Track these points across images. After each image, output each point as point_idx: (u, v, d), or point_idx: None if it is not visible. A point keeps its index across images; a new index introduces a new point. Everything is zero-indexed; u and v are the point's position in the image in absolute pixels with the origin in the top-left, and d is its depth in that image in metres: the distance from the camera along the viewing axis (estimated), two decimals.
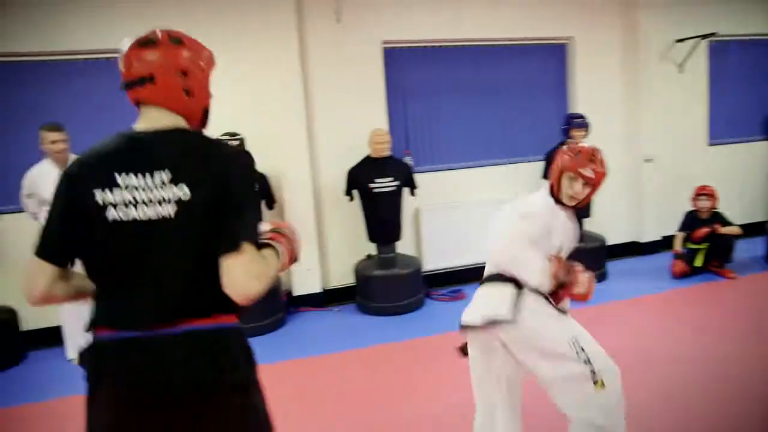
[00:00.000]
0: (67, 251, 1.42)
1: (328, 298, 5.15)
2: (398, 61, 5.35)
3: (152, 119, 1.45)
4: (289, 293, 5.03)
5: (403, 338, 4.29)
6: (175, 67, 1.44)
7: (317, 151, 5.10)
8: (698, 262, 5.28)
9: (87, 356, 1.42)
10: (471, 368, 2.28)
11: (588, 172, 2.17)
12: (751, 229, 5.94)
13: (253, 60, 4.84)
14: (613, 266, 5.64)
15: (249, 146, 4.58)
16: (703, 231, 5.22)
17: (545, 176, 5.41)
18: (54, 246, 1.41)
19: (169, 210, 1.36)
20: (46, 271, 1.39)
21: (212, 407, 1.39)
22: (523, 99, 5.75)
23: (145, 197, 1.37)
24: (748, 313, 4.35)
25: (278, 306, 4.70)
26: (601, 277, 5.32)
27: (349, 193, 4.84)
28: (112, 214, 1.37)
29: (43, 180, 4.07)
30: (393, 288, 4.80)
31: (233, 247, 1.34)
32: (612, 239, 5.84)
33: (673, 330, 4.07)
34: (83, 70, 4.66)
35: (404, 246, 5.20)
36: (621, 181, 6.01)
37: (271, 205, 4.77)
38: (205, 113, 1.58)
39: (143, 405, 1.37)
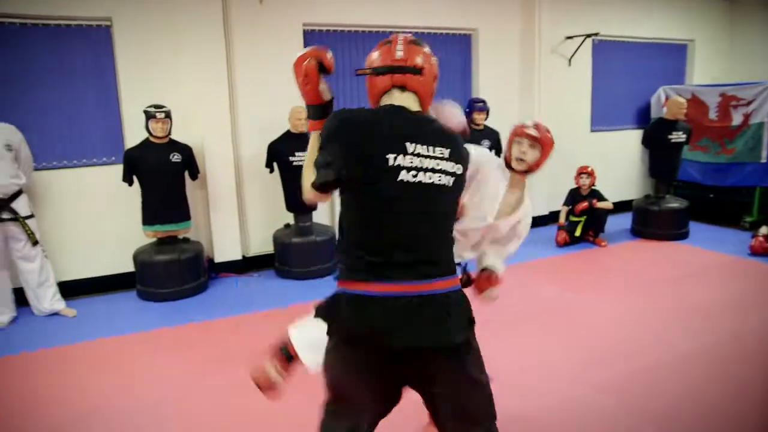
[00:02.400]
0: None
1: (247, 265, 5.48)
2: (317, 42, 5.66)
3: (411, 103, 1.77)
4: (210, 260, 5.30)
5: (319, 297, 4.70)
6: (434, 70, 1.82)
7: (239, 126, 5.37)
8: (578, 232, 6.09)
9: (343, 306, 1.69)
10: None
11: (532, 131, 2.36)
12: (622, 206, 6.88)
13: (180, 38, 5.02)
14: None
15: (174, 119, 4.78)
16: (583, 205, 6.02)
17: None
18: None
19: (447, 180, 1.68)
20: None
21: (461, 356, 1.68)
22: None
23: (430, 165, 1.66)
24: (616, 273, 5.21)
25: (200, 271, 4.98)
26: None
27: (269, 165, 5.17)
28: (402, 175, 1.62)
29: None
30: (309, 254, 5.20)
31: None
32: None
33: (554, 287, 4.78)
34: None
35: (319, 216, 5.61)
36: None
37: (194, 176, 5.00)
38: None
39: (398, 359, 1.65)
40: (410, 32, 1.96)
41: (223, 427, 2.84)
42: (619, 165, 7.49)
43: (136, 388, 3.31)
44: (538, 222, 6.90)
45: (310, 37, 5.62)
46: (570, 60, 6.92)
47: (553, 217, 6.68)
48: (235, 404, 3.04)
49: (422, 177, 1.63)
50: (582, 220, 6.08)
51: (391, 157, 1.61)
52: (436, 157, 1.66)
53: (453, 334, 1.64)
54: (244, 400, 3.04)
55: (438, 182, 1.66)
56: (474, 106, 5.76)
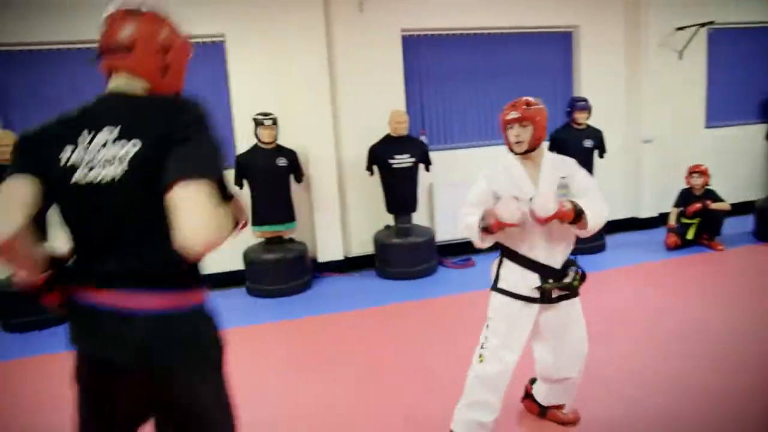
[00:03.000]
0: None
1: (349, 265, 5.65)
2: (416, 47, 5.79)
3: (124, 85, 1.40)
4: (314, 260, 5.53)
5: (417, 298, 4.78)
6: (154, 38, 1.40)
7: (341, 130, 5.57)
8: (690, 235, 5.73)
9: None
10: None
11: (512, 114, 2.40)
12: (742, 207, 6.38)
13: (285, 48, 5.32)
14: (612, 239, 6.09)
15: (280, 125, 5.06)
16: (696, 206, 5.65)
17: None
18: None
19: (114, 172, 1.30)
20: None
21: (174, 383, 1.39)
22: (530, 83, 6.17)
23: (89, 158, 1.32)
24: (732, 280, 4.82)
25: (305, 270, 5.21)
26: (600, 248, 5.79)
27: (370, 168, 5.32)
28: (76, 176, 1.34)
29: None
30: (409, 255, 5.29)
31: (186, 176, 1.20)
32: (612, 215, 6.25)
33: (660, 293, 4.54)
34: None
35: (419, 217, 5.68)
36: (621, 160, 6.46)
37: (299, 179, 5.25)
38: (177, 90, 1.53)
39: (109, 373, 1.37)
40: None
41: (317, 415, 2.97)
42: (738, 163, 6.95)
43: (248, 377, 3.52)
44: (646, 224, 6.58)
45: (409, 42, 5.73)
46: (681, 53, 6.54)
47: (662, 219, 6.33)
48: (331, 395, 3.16)
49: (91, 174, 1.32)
50: (695, 222, 5.71)
51: (64, 156, 1.35)
52: (105, 145, 1.32)
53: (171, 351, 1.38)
54: (338, 391, 3.17)
55: (101, 179, 1.31)
56: (575, 105, 5.61)
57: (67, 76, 5.04)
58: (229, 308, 4.86)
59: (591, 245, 5.70)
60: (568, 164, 2.49)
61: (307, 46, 5.30)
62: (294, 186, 5.25)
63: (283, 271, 5.02)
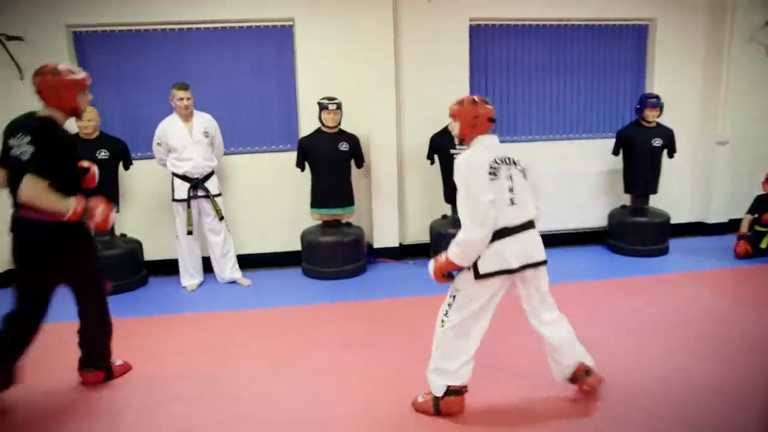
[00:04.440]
0: None
1: (404, 252, 5.68)
2: (483, 37, 5.72)
3: (42, 110, 2.83)
4: (369, 244, 5.59)
5: None
6: (47, 85, 2.78)
7: (403, 118, 5.59)
8: (764, 244, 5.45)
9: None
10: (477, 295, 2.69)
11: (450, 111, 2.90)
12: None
13: (352, 34, 5.36)
14: (676, 243, 5.86)
15: (344, 110, 5.11)
16: None
17: (615, 153, 5.69)
18: None
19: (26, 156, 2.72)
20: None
21: None
22: (599, 78, 5.99)
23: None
24: None
25: (360, 254, 5.28)
26: (663, 251, 5.59)
27: (431, 157, 5.32)
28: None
29: (170, 131, 4.77)
30: None
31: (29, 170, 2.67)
32: (677, 218, 6.05)
33: (727, 301, 4.35)
34: (200, 38, 5.33)
35: None
36: (691, 161, 6.19)
37: (360, 164, 5.31)
38: (74, 111, 2.88)
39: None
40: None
41: (368, 393, 3.03)
42: None
43: (299, 354, 3.63)
44: (713, 230, 6.30)
45: (477, 32, 5.66)
46: None
47: (732, 225, 6.05)
48: (377, 379, 3.22)
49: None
50: None
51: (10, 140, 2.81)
52: (22, 142, 2.74)
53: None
54: (383, 376, 3.23)
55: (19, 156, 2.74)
56: (646, 102, 5.42)
57: (150, 56, 5.30)
58: (284, 287, 5.00)
59: (652, 248, 5.53)
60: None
61: (375, 33, 5.33)
62: (354, 171, 5.31)
63: (338, 255, 5.10)
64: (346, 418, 2.85)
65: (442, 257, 2.71)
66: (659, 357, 3.37)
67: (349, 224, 5.36)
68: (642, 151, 5.50)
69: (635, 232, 5.60)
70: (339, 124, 5.11)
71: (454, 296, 2.74)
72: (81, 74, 2.85)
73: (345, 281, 5.08)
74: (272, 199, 5.54)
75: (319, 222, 5.29)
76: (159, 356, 3.60)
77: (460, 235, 2.59)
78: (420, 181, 5.69)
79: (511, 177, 2.69)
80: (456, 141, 2.89)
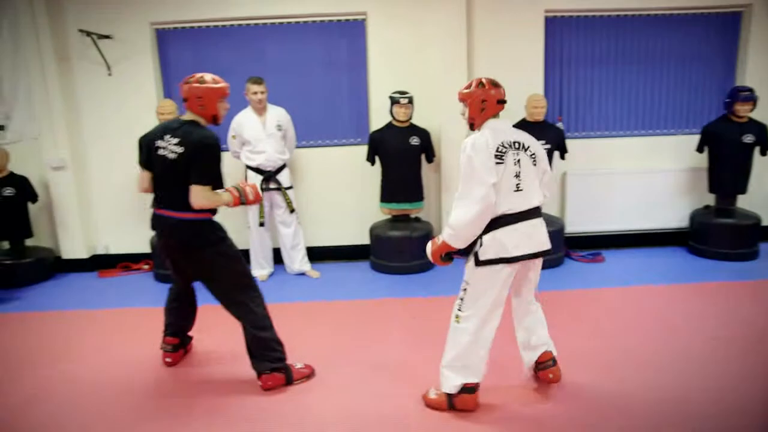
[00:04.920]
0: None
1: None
2: (559, 29, 5.53)
3: (187, 115, 3.05)
4: None
5: (540, 289, 4.60)
6: (189, 93, 2.99)
7: None
8: None
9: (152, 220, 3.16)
10: (486, 287, 2.68)
11: (458, 95, 2.81)
12: None
13: (425, 28, 5.32)
14: (767, 247, 5.50)
15: (416, 104, 5.08)
16: None
17: (700, 150, 5.38)
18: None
19: (173, 156, 2.94)
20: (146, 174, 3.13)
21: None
22: (683, 70, 5.66)
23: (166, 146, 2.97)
24: None
25: None
26: (752, 256, 5.24)
27: None
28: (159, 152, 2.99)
29: (245, 124, 4.88)
30: None
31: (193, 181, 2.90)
32: None
33: None
34: (275, 32, 5.42)
35: (548, 206, 5.47)
36: None
37: (430, 159, 5.26)
38: (214, 117, 3.05)
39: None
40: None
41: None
42: None
43: (364, 347, 3.63)
44: None
45: (552, 23, 5.48)
46: None
47: None
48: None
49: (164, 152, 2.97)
50: None
51: (157, 141, 3.02)
52: (170, 142, 2.95)
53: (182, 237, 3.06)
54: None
55: (168, 156, 2.96)
56: (738, 96, 5.09)
57: (226, 50, 5.44)
58: (352, 280, 5.03)
59: (739, 252, 5.20)
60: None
61: (447, 26, 5.24)
62: (424, 166, 5.27)
63: (407, 250, 5.08)
64: (410, 413, 2.83)
65: (439, 239, 2.72)
66: (755, 372, 3.16)
67: (418, 219, 5.33)
68: (730, 148, 5.17)
69: (720, 234, 5.28)
70: (410, 118, 5.08)
71: (465, 289, 2.72)
72: (222, 84, 3.05)
73: (412, 276, 5.05)
74: (342, 192, 5.58)
75: (388, 216, 5.28)
76: (229, 345, 3.69)
77: (453, 215, 2.58)
78: None
79: (519, 162, 2.64)
80: (467, 126, 2.84)
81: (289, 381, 3.14)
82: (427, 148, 5.18)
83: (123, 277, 5.48)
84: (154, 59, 5.45)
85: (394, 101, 5.00)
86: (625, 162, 5.63)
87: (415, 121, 5.15)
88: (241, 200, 3.08)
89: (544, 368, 2.98)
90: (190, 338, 3.66)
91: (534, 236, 2.69)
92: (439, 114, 5.36)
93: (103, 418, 2.91)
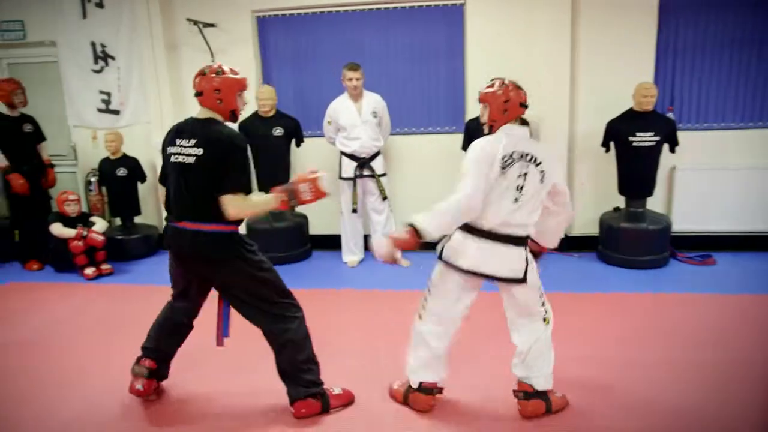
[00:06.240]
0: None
1: (569, 244, 5.36)
2: (674, 12, 5.12)
3: (202, 113, 2.66)
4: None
5: (643, 290, 4.36)
6: (211, 86, 2.59)
7: (577, 102, 5.23)
8: None
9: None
10: (447, 289, 2.65)
11: (478, 95, 2.67)
12: None
13: (528, 16, 5.11)
14: None
15: None
16: None
17: None
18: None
19: (190, 160, 2.54)
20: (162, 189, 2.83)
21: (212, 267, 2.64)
22: None
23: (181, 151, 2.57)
24: None
25: None
26: None
27: (606, 144, 4.93)
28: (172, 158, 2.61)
29: (340, 110, 4.91)
30: (638, 243, 4.83)
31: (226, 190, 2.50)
32: None
33: None
34: (372, 19, 5.41)
35: (654, 203, 5.14)
36: None
37: None
38: (232, 113, 2.67)
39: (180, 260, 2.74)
40: None
41: None
42: None
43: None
44: None
45: (666, 6, 5.07)
46: None
47: None
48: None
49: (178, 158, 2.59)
50: None
51: (168, 148, 2.65)
52: (184, 146, 2.56)
53: (202, 252, 2.61)
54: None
55: (183, 161, 2.56)
56: None
57: (324, 37, 5.50)
58: None
59: None
60: None
61: (550, 12, 5.01)
62: None
63: None
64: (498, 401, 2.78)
65: (404, 232, 2.53)
66: None
67: None
68: None
69: None
70: None
71: (429, 289, 2.71)
72: (240, 75, 2.68)
73: None
74: (436, 181, 5.48)
75: None
76: (318, 329, 3.72)
77: (441, 203, 2.46)
78: (591, 169, 5.31)
79: (525, 176, 2.48)
80: (485, 129, 2.63)
81: (326, 409, 2.78)
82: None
83: None
84: (254, 46, 5.60)
85: None
86: (741, 157, 5.16)
87: None
88: (291, 203, 2.63)
89: (516, 398, 2.74)
90: (167, 373, 3.03)
91: (502, 260, 2.52)
92: (538, 103, 5.11)
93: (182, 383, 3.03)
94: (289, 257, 5.27)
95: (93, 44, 5.69)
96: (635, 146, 4.66)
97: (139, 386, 2.87)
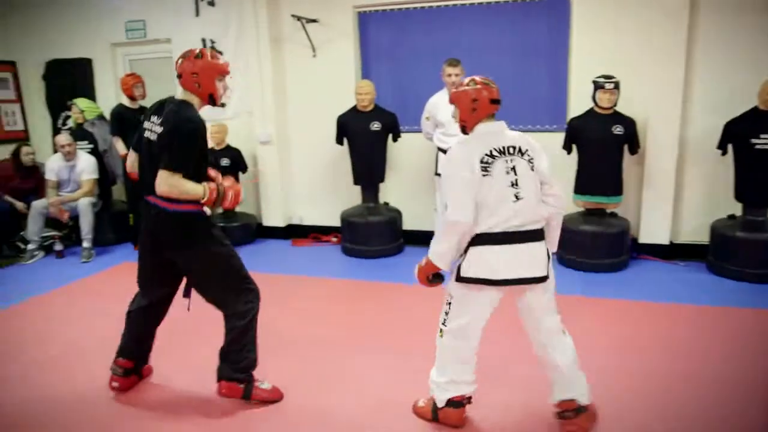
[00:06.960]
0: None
1: (674, 252, 5.04)
2: None
3: (179, 94, 2.71)
4: (633, 239, 5.09)
5: (757, 305, 4.01)
6: (188, 69, 2.63)
7: (691, 100, 4.89)
8: None
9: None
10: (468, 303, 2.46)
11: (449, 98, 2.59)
12: None
13: (639, 5, 4.84)
14: None
15: (622, 91, 4.65)
16: None
17: None
18: None
19: (153, 137, 2.63)
20: None
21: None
22: None
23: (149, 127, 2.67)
24: None
25: (623, 248, 4.84)
26: None
27: (722, 146, 4.58)
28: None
29: (439, 105, 4.87)
30: (755, 254, 4.45)
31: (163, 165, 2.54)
32: None
33: None
34: (473, 13, 5.32)
35: None
36: None
37: (634, 150, 4.82)
38: (210, 96, 2.70)
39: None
40: None
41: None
42: None
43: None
44: None
45: None
46: None
47: None
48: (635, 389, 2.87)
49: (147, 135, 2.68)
50: None
51: (144, 123, 2.73)
52: (154, 122, 2.65)
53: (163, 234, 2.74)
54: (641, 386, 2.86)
55: (149, 137, 2.66)
56: None
57: (423, 33, 5.48)
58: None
59: None
60: None
61: (666, 4, 4.70)
62: (626, 157, 4.84)
63: (601, 246, 4.73)
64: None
65: (424, 260, 2.47)
66: None
67: (614, 214, 4.93)
68: None
69: None
70: (615, 105, 4.68)
71: (449, 303, 2.53)
72: (222, 60, 2.72)
73: (604, 275, 4.70)
74: None
75: (581, 209, 4.96)
76: (404, 324, 3.72)
77: (436, 234, 2.37)
78: (703, 173, 4.96)
79: (514, 169, 2.35)
80: (459, 126, 2.55)
81: (246, 396, 2.85)
82: (631, 138, 4.74)
83: (314, 247, 5.85)
84: (355, 41, 5.68)
85: (598, 86, 4.63)
86: None
87: (619, 108, 4.72)
88: (216, 202, 2.70)
89: (564, 418, 2.57)
90: (146, 363, 3.17)
91: (528, 259, 2.35)
92: (647, 102, 4.87)
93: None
94: (382, 251, 5.33)
95: (203, 40, 6.00)
96: (758, 149, 4.30)
97: (115, 384, 3.02)
